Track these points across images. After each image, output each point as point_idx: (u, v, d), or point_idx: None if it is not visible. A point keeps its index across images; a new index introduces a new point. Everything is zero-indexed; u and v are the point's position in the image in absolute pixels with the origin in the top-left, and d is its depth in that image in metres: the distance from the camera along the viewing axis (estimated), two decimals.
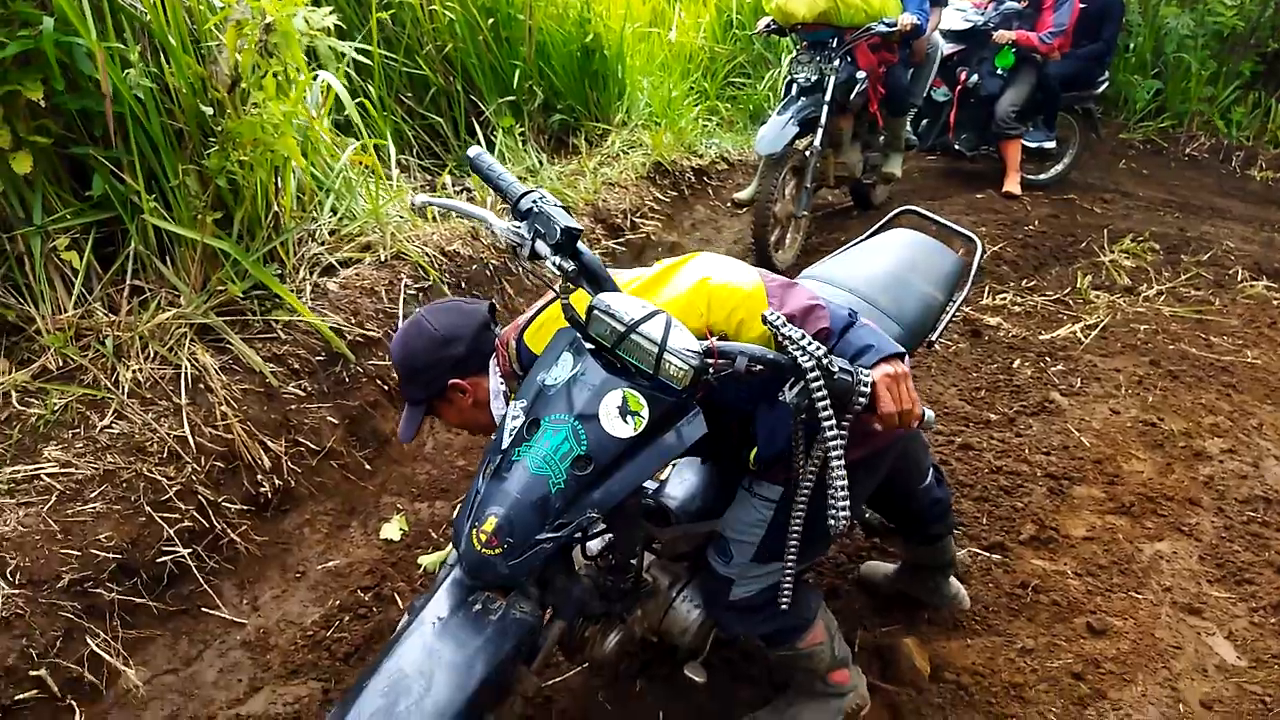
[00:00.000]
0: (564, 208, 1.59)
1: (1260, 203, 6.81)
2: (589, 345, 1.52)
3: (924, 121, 6.46)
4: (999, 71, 6.07)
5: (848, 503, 1.41)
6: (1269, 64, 7.98)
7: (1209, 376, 3.93)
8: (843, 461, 1.41)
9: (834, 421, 1.39)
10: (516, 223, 1.63)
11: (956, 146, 6.42)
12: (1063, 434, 3.43)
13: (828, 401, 1.38)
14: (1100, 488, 3.13)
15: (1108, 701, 2.31)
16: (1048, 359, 4.05)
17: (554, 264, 1.55)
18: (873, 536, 2.77)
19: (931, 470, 2.31)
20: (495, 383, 1.85)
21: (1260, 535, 2.92)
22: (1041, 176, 6.59)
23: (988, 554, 2.81)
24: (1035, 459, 3.28)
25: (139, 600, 2.45)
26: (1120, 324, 4.43)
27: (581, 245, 1.56)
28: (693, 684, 2.01)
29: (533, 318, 1.80)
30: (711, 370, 1.41)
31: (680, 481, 2.13)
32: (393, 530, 2.95)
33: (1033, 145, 6.33)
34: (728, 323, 1.55)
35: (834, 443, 1.40)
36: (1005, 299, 4.66)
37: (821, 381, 1.37)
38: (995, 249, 5.15)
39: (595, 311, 1.45)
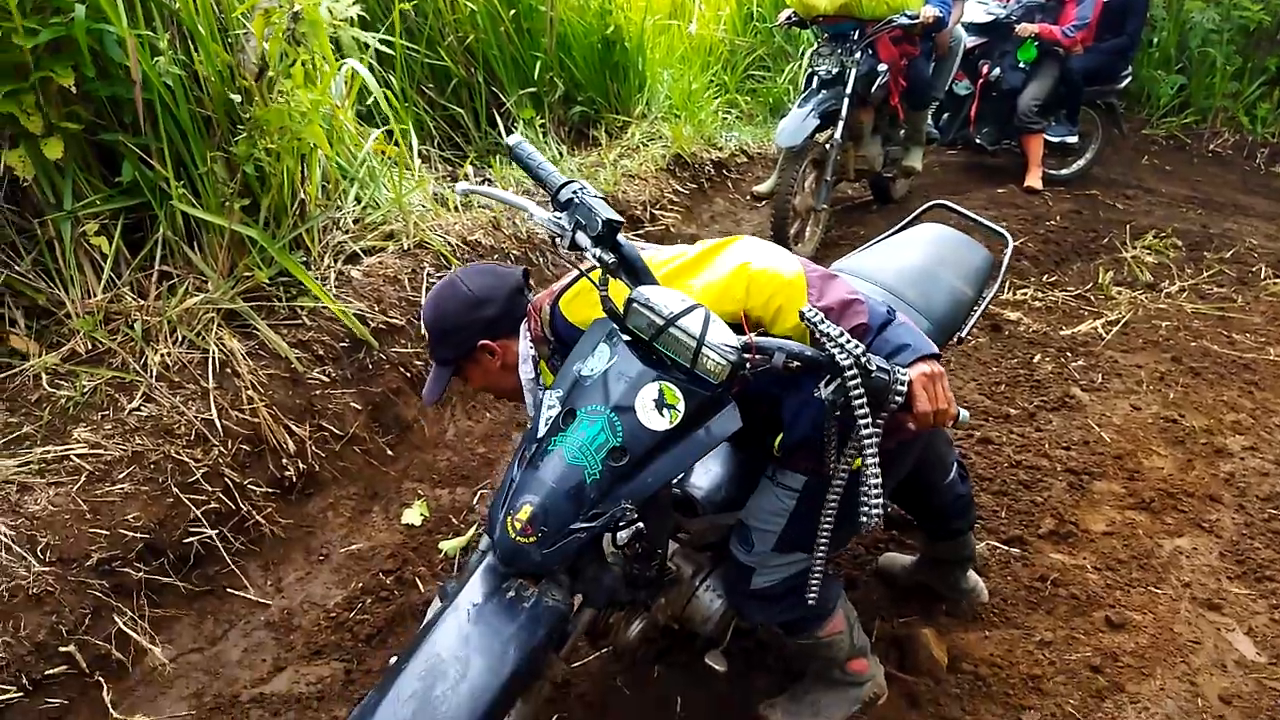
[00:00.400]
0: (603, 199, 1.59)
1: None
2: (626, 337, 1.53)
3: (945, 115, 6.43)
4: (1021, 65, 6.04)
5: (881, 500, 1.41)
6: None
7: (1231, 374, 3.90)
8: (877, 459, 1.41)
9: (870, 419, 1.39)
10: (557, 213, 1.64)
11: (978, 140, 6.39)
12: (1083, 429, 3.43)
13: (864, 399, 1.38)
14: (1120, 483, 3.13)
15: (1126, 695, 2.31)
16: (1068, 354, 4.04)
17: (594, 255, 1.54)
18: (891, 529, 2.78)
19: (955, 466, 2.31)
20: (525, 347, 1.87)
21: None
22: (1063, 171, 6.54)
23: (1007, 548, 2.81)
24: (1055, 454, 3.28)
25: (166, 580, 2.49)
26: (1142, 320, 4.41)
27: (621, 237, 1.56)
28: (712, 672, 2.03)
29: (569, 284, 1.80)
30: (749, 365, 1.42)
31: (706, 472, 2.14)
32: (414, 515, 2.98)
33: (1055, 140, 6.28)
34: (765, 309, 1.54)
35: (869, 440, 1.40)
36: (1026, 294, 4.65)
37: (858, 379, 1.37)
38: (1016, 244, 5.08)
39: (634, 304, 1.45)
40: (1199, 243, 5.48)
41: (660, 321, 1.42)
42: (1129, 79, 6.51)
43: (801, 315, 1.40)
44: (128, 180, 2.86)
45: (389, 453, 3.20)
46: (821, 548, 1.63)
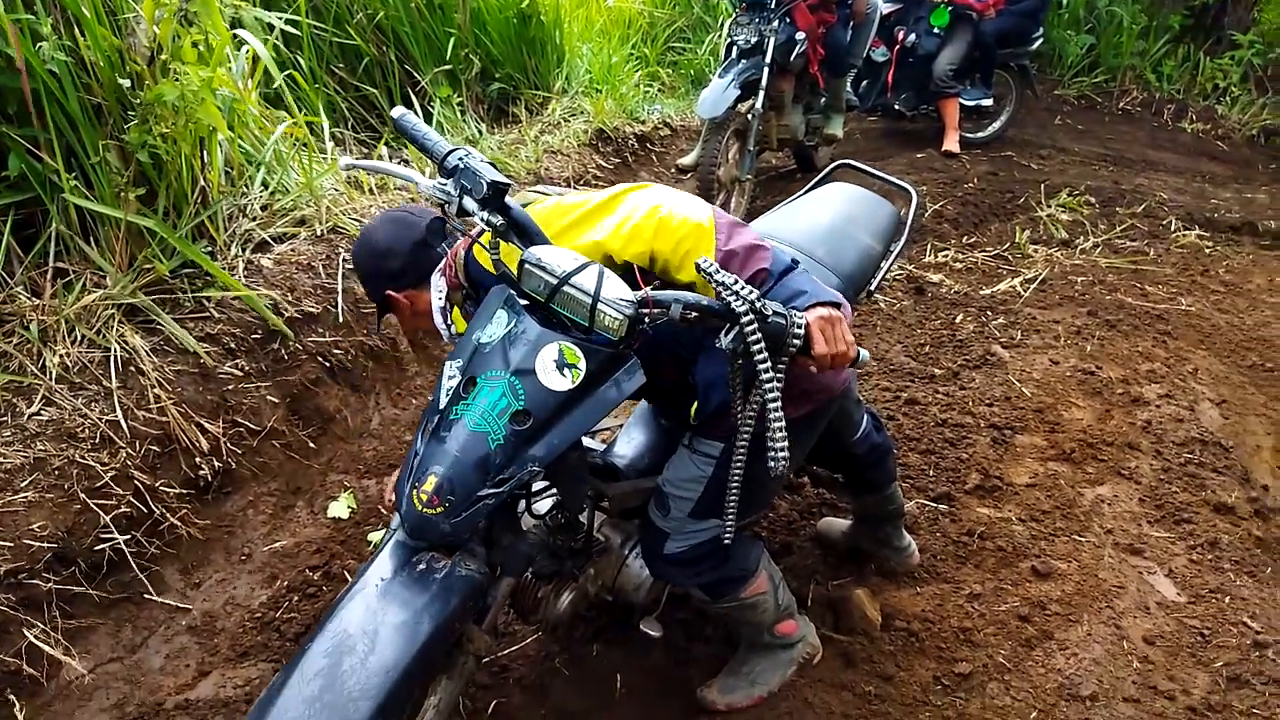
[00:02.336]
0: (490, 163, 1.56)
1: (1191, 154, 6.96)
2: (523, 301, 1.50)
3: (864, 82, 6.47)
4: (935, 30, 6.10)
5: (786, 445, 1.41)
6: (1197, 17, 8.13)
7: (1145, 325, 4.01)
8: (780, 404, 1.40)
9: (769, 364, 1.39)
10: (443, 180, 1.60)
11: (896, 106, 6.44)
12: (1005, 385, 3.49)
13: (763, 345, 1.38)
14: (1042, 436, 3.19)
15: (1054, 642, 2.36)
16: (989, 313, 4.11)
17: (482, 219, 1.52)
18: (819, 486, 2.78)
19: (867, 418, 2.33)
20: (435, 297, 1.84)
21: (1197, 476, 3.00)
22: (979, 134, 6.65)
23: (935, 505, 2.85)
24: (979, 410, 3.33)
25: (78, 589, 2.37)
26: (1058, 276, 4.50)
27: (510, 199, 1.54)
28: (649, 639, 2.02)
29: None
30: (647, 319, 1.40)
31: (629, 440, 2.13)
32: (340, 508, 2.91)
33: (970, 103, 6.38)
34: (674, 253, 1.54)
35: (770, 385, 1.40)
36: (947, 256, 4.71)
37: (756, 325, 1.37)
38: (936, 207, 5.21)
39: (526, 266, 1.44)
40: (1111, 199, 5.61)
41: (554, 281, 1.41)
42: (1040, 40, 6.63)
43: (697, 266, 1.40)
44: (15, 174, 2.71)
45: (311, 445, 3.11)
46: (731, 509, 1.64)
